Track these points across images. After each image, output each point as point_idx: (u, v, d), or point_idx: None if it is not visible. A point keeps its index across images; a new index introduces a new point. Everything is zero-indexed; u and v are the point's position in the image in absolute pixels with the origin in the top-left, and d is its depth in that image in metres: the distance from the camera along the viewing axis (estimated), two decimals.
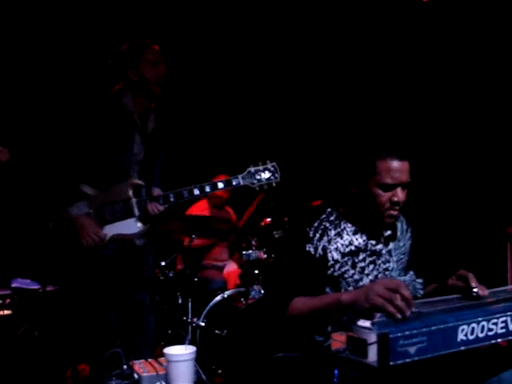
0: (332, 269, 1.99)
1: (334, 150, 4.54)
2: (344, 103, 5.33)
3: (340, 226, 2.03)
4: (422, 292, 2.14)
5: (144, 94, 2.81)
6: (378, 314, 1.52)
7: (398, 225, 2.16)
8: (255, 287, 3.63)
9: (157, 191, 2.79)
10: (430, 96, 5.00)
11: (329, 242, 1.98)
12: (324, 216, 2.03)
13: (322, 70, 5.43)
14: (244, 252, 3.72)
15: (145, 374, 1.83)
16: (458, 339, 1.58)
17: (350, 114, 5.15)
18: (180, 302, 3.95)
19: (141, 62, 2.77)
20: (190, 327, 3.76)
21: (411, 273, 2.13)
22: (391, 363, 1.47)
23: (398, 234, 2.14)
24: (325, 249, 1.98)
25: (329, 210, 2.06)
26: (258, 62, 5.38)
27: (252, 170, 2.77)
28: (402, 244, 2.14)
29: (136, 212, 2.74)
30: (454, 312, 1.63)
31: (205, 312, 3.76)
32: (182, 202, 2.80)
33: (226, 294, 3.82)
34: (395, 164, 1.89)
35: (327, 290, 1.99)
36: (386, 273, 2.05)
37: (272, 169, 2.80)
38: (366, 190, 1.95)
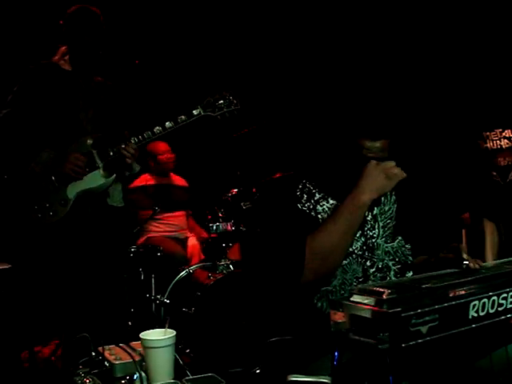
0: None
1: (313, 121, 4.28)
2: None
3: (323, 191, 1.91)
4: (411, 258, 2.00)
5: (82, 56, 2.81)
6: (388, 291, 1.36)
7: None
8: (223, 261, 3.43)
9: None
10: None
11: (316, 202, 1.88)
12: (304, 180, 1.92)
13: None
14: (210, 224, 3.50)
15: (118, 362, 1.62)
16: (470, 316, 1.45)
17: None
18: (142, 278, 3.71)
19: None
20: (153, 305, 3.55)
21: (399, 238, 1.98)
22: (403, 345, 1.32)
23: (382, 197, 1.99)
24: (315, 210, 1.87)
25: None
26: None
27: (211, 99, 2.77)
28: (387, 208, 2.00)
29: (99, 162, 2.71)
30: (464, 287, 1.50)
31: (169, 288, 3.55)
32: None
33: (192, 268, 3.62)
34: (369, 144, 1.83)
35: None
36: (373, 240, 1.92)
37: (231, 97, 2.79)
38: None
